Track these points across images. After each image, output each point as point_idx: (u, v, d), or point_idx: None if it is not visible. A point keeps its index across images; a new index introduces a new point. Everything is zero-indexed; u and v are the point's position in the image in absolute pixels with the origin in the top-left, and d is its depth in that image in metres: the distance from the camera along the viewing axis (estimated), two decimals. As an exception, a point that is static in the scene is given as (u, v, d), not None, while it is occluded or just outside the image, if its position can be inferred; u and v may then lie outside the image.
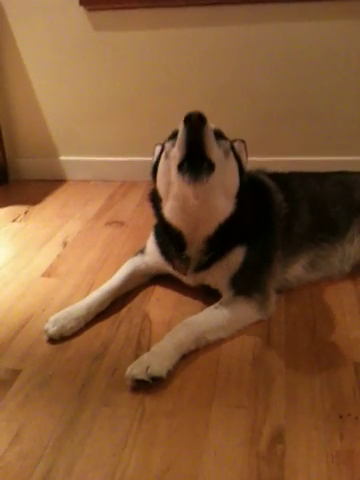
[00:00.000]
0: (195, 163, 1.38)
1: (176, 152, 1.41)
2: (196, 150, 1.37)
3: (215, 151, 1.41)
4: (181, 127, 1.38)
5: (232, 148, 1.56)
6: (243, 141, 1.65)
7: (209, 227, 1.54)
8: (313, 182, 1.86)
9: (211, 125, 1.49)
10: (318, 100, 2.59)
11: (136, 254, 1.82)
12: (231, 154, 1.54)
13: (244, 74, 2.61)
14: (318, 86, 2.56)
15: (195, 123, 1.35)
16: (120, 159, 2.86)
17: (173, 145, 1.46)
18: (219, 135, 1.50)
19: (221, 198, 1.50)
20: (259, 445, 1.13)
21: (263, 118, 2.66)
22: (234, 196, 1.54)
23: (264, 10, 2.46)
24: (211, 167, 1.40)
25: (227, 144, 1.52)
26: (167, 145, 1.52)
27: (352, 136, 2.63)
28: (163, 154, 1.54)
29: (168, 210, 1.56)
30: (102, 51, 2.67)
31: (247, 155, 1.66)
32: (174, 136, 1.48)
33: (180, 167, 1.40)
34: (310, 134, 2.66)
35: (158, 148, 1.65)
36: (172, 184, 1.49)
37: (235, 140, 1.63)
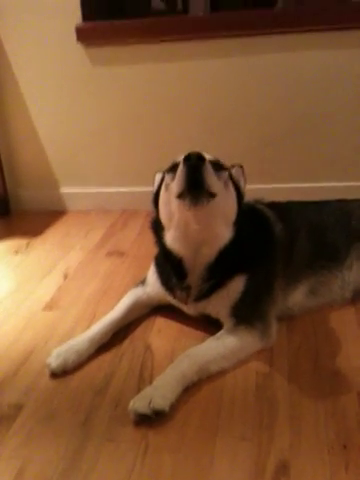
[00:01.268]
0: (195, 191, 1.40)
1: (175, 187, 1.44)
2: (195, 184, 1.40)
3: (215, 184, 1.43)
4: (180, 166, 1.40)
5: (230, 177, 1.58)
6: (241, 166, 1.68)
7: (210, 253, 1.55)
8: (311, 210, 1.89)
9: (208, 156, 1.52)
10: (316, 128, 2.62)
11: (137, 285, 1.83)
12: (230, 183, 1.56)
13: (243, 104, 2.64)
14: (316, 113, 2.60)
15: (194, 163, 1.38)
16: (120, 189, 2.89)
17: (172, 178, 1.48)
18: (217, 166, 1.52)
19: (221, 224, 1.53)
20: (264, 478, 1.12)
21: (262, 146, 2.69)
22: (233, 222, 1.56)
23: (261, 42, 2.51)
24: (211, 195, 1.42)
25: (225, 174, 1.55)
26: (167, 178, 1.55)
27: (351, 162, 2.66)
28: (163, 185, 1.56)
29: (170, 238, 1.58)
30: (100, 85, 2.72)
31: (245, 180, 1.68)
32: (173, 168, 1.51)
33: (180, 195, 1.42)
34: (309, 161, 2.69)
35: (158, 176, 1.67)
36: (173, 214, 1.52)
37: (233, 165, 1.66)
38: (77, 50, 2.66)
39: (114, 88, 2.72)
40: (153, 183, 1.70)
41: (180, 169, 1.41)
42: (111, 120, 2.79)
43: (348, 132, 2.61)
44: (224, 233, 1.54)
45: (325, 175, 2.69)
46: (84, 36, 2.63)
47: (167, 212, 1.55)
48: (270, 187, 2.66)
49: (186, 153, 1.40)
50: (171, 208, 1.52)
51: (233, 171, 1.64)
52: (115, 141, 2.83)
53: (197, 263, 1.57)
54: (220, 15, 2.54)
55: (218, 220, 1.52)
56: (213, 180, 1.42)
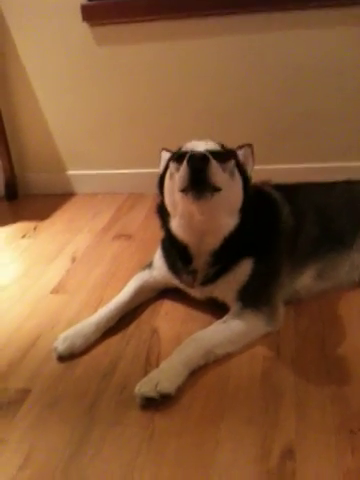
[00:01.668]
0: (199, 187, 1.39)
1: (178, 182, 1.42)
2: (199, 181, 1.39)
3: (219, 180, 1.41)
4: (184, 164, 1.38)
5: (237, 164, 1.55)
6: (250, 145, 1.64)
7: (214, 240, 1.55)
8: (319, 192, 1.86)
9: (213, 145, 1.49)
10: (321, 107, 2.58)
11: (143, 268, 1.82)
12: (236, 172, 1.53)
13: (248, 83, 2.60)
14: (320, 92, 2.55)
15: (198, 165, 1.36)
16: (127, 171, 2.87)
17: (177, 169, 1.47)
18: (223, 156, 1.49)
19: (226, 214, 1.52)
20: (269, 463, 1.12)
21: (268, 126, 2.65)
22: (238, 210, 1.54)
23: (267, 19, 2.46)
24: (215, 189, 1.41)
25: (231, 164, 1.51)
26: (171, 166, 1.53)
27: (355, 142, 2.62)
28: (168, 173, 1.55)
29: (175, 225, 1.57)
30: (106, 65, 2.69)
31: (254, 159, 1.65)
32: (178, 158, 1.49)
33: (183, 190, 1.42)
34: (315, 141, 2.65)
35: (165, 155, 1.66)
36: (177, 203, 1.51)
37: (242, 146, 1.63)
38: (83, 30, 2.63)
39: (120, 68, 2.69)
40: (159, 160, 1.68)
41: (184, 167, 1.39)
42: (117, 101, 2.76)
43: (354, 112, 2.57)
44: (229, 222, 1.53)
45: (332, 155, 2.65)
46: (90, 15, 2.59)
47: (172, 200, 1.54)
48: (276, 167, 2.63)
49: (190, 151, 1.39)
50: (175, 198, 1.50)
51: (241, 152, 1.62)
52: (122, 122, 2.80)
53: (202, 250, 1.57)
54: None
55: (223, 211, 1.50)
56: (217, 176, 1.40)
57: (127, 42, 2.62)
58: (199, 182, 1.38)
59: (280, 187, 1.79)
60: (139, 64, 2.66)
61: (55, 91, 2.79)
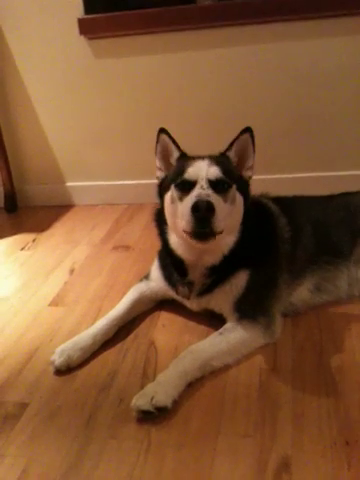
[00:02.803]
0: (202, 231, 1.41)
1: (181, 222, 1.45)
2: (204, 225, 1.40)
3: (223, 221, 1.42)
4: (188, 209, 1.40)
5: (237, 185, 1.53)
6: (249, 130, 1.58)
7: (214, 258, 1.56)
8: (316, 205, 1.87)
9: (213, 171, 1.48)
10: (318, 117, 2.60)
11: (141, 280, 1.83)
12: (237, 195, 1.52)
13: (244, 94, 2.62)
14: (318, 102, 2.57)
15: (203, 214, 1.38)
16: (126, 182, 2.88)
17: (180, 198, 1.48)
18: (224, 184, 1.48)
19: (227, 236, 1.53)
20: (265, 476, 1.12)
21: (264, 137, 2.65)
22: (238, 227, 1.56)
23: (262, 30, 2.49)
24: (219, 233, 1.44)
25: (232, 190, 1.50)
26: (173, 191, 1.51)
27: (352, 151, 2.63)
28: (169, 197, 1.53)
29: (173, 242, 1.59)
30: (104, 77, 2.71)
31: (254, 145, 1.60)
32: (182, 186, 1.48)
33: (186, 232, 1.44)
34: (311, 151, 2.67)
35: (163, 138, 1.70)
36: (178, 226, 1.50)
37: (239, 135, 1.59)
38: (80, 43, 2.65)
39: (118, 80, 2.71)
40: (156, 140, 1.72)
41: (188, 213, 1.40)
42: (116, 113, 2.78)
43: (352, 121, 2.58)
44: (229, 240, 1.55)
45: (330, 164, 2.66)
46: (87, 29, 2.61)
47: (172, 221, 1.54)
48: (272, 177, 2.65)
49: (194, 199, 1.39)
50: (176, 220, 1.50)
51: (241, 141, 1.58)
52: (120, 134, 2.82)
53: (199, 265, 1.58)
54: (229, 3, 2.49)
55: (224, 236, 1.51)
56: (221, 222, 1.41)
57: (124, 54, 2.64)
58: (203, 226, 1.40)
59: (277, 200, 1.79)
60: (137, 76, 2.68)
61: (54, 103, 2.81)
